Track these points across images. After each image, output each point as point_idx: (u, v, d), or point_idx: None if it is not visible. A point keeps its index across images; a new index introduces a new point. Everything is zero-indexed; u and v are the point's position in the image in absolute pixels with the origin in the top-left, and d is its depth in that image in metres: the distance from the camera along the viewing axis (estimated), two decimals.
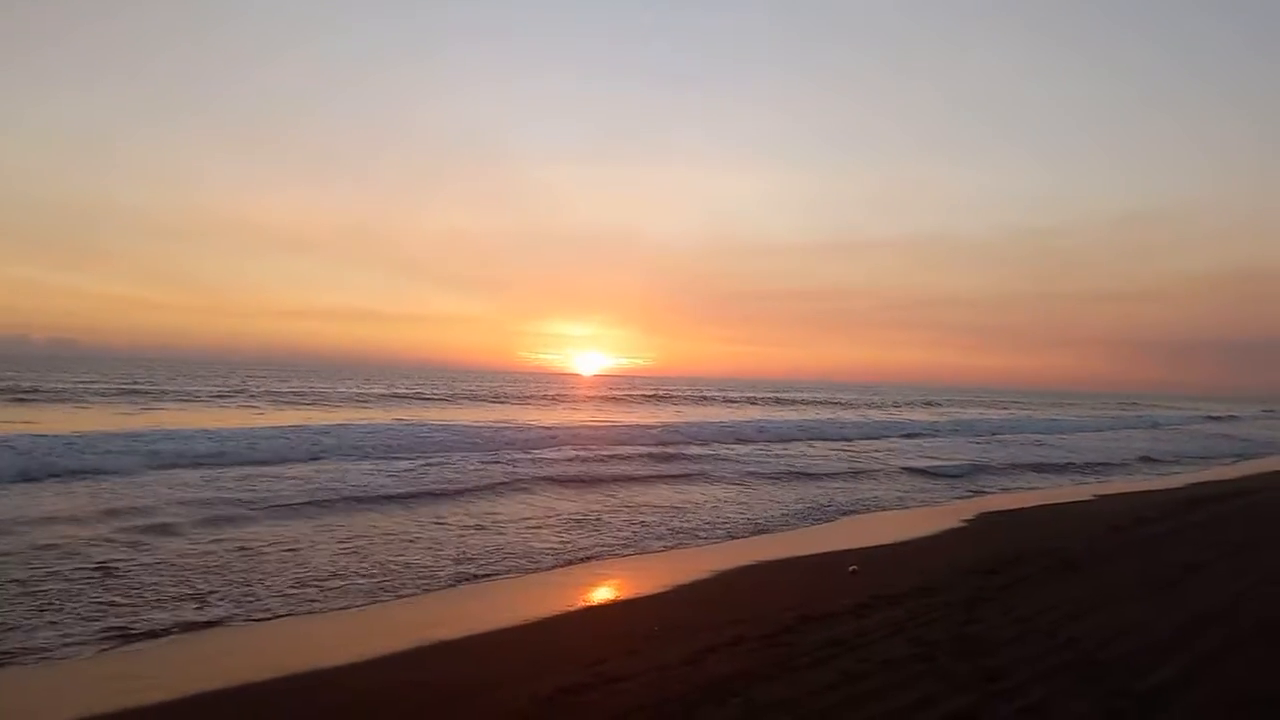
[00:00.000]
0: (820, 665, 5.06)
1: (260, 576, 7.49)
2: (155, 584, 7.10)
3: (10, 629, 5.82)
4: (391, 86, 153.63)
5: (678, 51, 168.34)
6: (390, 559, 8.35)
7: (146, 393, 37.94)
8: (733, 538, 10.41)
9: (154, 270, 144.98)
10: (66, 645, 5.57)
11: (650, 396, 57.28)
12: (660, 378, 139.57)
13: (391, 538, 9.38)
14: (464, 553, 8.77)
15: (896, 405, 59.81)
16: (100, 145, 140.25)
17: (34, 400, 31.04)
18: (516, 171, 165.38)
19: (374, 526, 10.02)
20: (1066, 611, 6.38)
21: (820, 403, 60.07)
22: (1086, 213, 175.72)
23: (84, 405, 30.28)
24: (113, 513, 9.99)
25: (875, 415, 42.20)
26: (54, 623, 5.97)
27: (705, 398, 59.87)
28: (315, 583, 7.37)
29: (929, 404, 66.07)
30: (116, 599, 6.60)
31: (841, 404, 59.30)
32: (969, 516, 12.50)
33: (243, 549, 8.47)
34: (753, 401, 57.57)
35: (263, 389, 45.28)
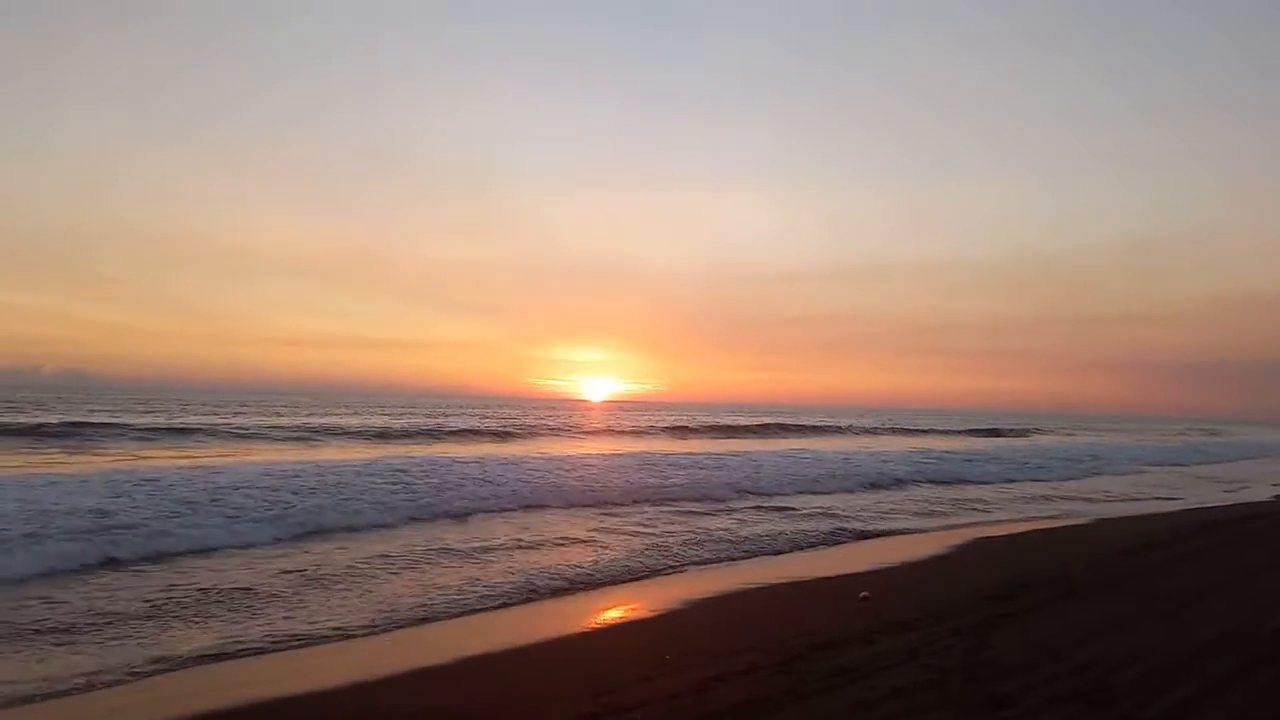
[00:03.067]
0: (831, 693, 5.06)
1: None
2: None
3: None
4: (391, 113, 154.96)
5: (681, 76, 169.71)
6: None
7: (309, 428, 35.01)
8: (746, 560, 10.41)
9: (154, 298, 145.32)
10: None
11: (709, 427, 49.12)
12: (680, 404, 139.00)
13: None
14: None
15: (951, 434, 53.19)
16: (100, 171, 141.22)
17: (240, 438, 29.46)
18: (520, 196, 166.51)
19: None
20: (1076, 637, 6.38)
21: (869, 431, 53.29)
22: (1097, 236, 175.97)
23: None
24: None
25: (950, 446, 36.21)
26: None
27: (773, 426, 50.52)
28: None
29: (992, 432, 58.30)
30: None
31: (898, 432, 53.15)
32: (969, 542, 12.45)
33: None
34: (797, 430, 49.52)
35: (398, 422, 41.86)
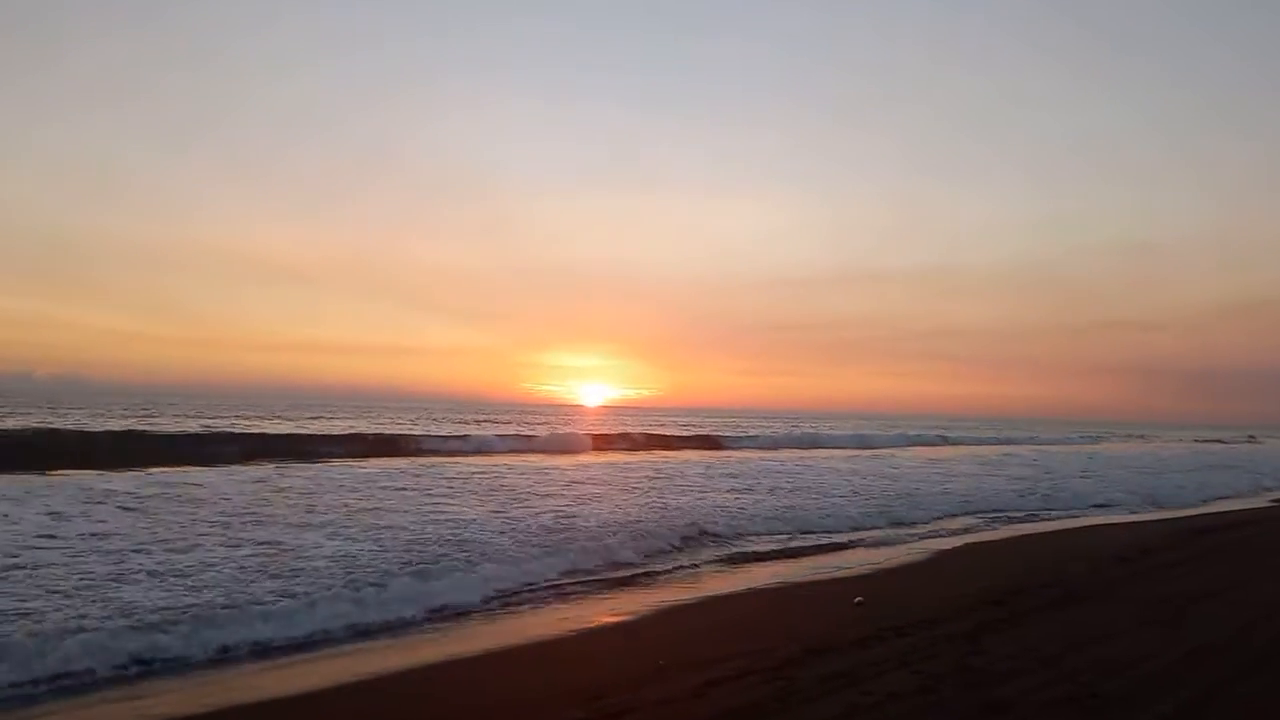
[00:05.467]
0: (824, 699, 5.05)
1: None
2: None
3: None
4: (389, 119, 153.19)
5: (681, 82, 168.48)
6: None
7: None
8: (738, 565, 10.38)
9: (151, 303, 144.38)
10: None
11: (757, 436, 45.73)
12: (684, 408, 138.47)
13: None
14: None
15: (995, 442, 50.86)
16: (96, 178, 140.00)
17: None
18: (517, 202, 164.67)
19: None
20: (1070, 643, 6.37)
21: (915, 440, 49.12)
22: (1090, 243, 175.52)
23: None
24: None
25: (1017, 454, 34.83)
26: None
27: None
28: None
29: (1003, 441, 54.15)
30: None
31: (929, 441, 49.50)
32: (964, 547, 12.43)
33: None
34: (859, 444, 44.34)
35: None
